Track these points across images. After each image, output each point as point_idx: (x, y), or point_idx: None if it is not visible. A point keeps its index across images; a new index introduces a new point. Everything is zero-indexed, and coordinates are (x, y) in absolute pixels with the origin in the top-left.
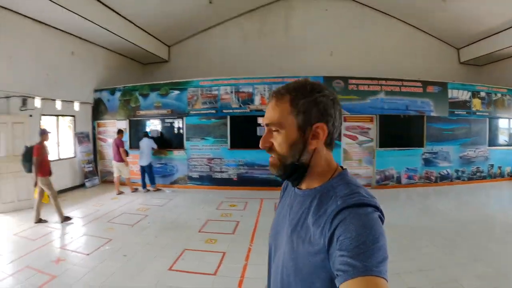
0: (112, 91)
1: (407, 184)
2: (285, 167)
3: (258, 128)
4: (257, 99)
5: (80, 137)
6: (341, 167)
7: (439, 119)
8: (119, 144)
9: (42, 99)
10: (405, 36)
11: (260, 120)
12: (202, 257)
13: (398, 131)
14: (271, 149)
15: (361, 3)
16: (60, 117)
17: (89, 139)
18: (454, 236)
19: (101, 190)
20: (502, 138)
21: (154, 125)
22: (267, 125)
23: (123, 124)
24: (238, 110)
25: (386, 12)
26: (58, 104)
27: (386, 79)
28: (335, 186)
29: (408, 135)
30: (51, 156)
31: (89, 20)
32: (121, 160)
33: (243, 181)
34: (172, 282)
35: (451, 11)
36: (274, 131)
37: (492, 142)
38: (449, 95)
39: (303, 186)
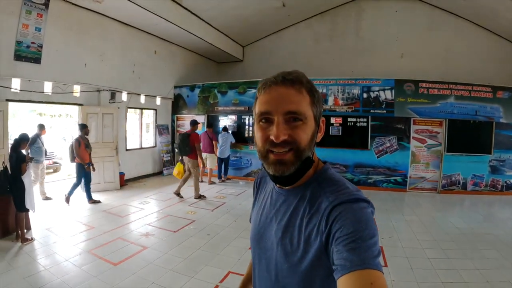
0: (192, 88)
1: (472, 191)
2: (300, 163)
3: (330, 128)
4: (330, 100)
5: (161, 129)
6: (322, 161)
7: (509, 126)
8: (212, 137)
9: (128, 93)
10: (475, 38)
11: (332, 120)
12: None
13: (467, 137)
14: (286, 141)
15: (430, 4)
16: (143, 110)
17: (168, 131)
18: (505, 242)
19: (177, 178)
20: None
21: (230, 121)
22: (288, 113)
23: (201, 119)
24: None
25: (456, 13)
26: (142, 98)
27: (456, 83)
28: (321, 182)
29: (476, 141)
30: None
31: (171, 23)
32: (212, 151)
33: None
34: None
35: None
36: (296, 121)
37: None
38: None
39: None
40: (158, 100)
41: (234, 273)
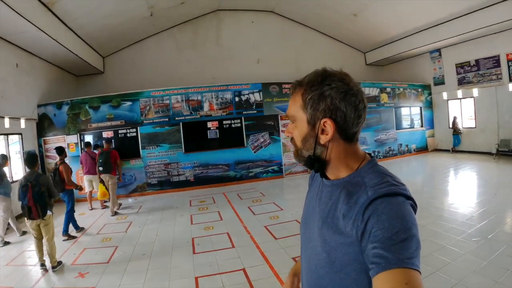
0: (59, 105)
1: None
2: (303, 159)
3: (208, 132)
4: (206, 106)
5: None
6: (370, 155)
7: None
8: (95, 156)
9: None
10: (322, 44)
11: (209, 125)
12: (212, 239)
13: None
14: (293, 139)
15: (282, 16)
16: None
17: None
18: None
19: (56, 209)
20: (405, 122)
21: (101, 137)
22: (288, 116)
23: (74, 139)
24: (190, 117)
25: (305, 24)
26: (7, 122)
27: None
28: (364, 176)
29: None
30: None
31: (42, 31)
32: (96, 172)
33: (200, 181)
34: (205, 260)
35: (359, 23)
36: (293, 123)
37: (398, 126)
38: None
39: (331, 176)
40: (23, 123)
41: (202, 276)
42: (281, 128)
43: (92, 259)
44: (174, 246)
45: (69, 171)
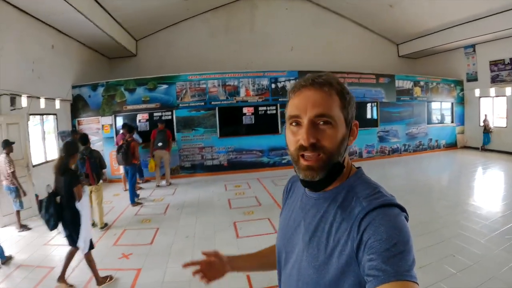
0: (94, 87)
1: (367, 158)
2: (329, 168)
3: (243, 118)
4: (242, 91)
5: (63, 137)
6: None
7: (389, 104)
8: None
9: (28, 97)
10: (355, 34)
11: (245, 110)
12: (253, 224)
13: (360, 115)
14: (315, 145)
15: (316, 4)
16: (44, 116)
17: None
18: (411, 189)
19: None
20: (436, 117)
21: (143, 119)
22: (316, 116)
23: (108, 120)
24: (226, 102)
25: (339, 12)
26: (42, 102)
27: (348, 73)
28: (354, 186)
29: (366, 118)
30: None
31: (80, 12)
32: None
33: (233, 166)
34: (250, 244)
35: (395, 14)
36: (324, 124)
37: (430, 121)
38: (396, 85)
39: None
40: (58, 103)
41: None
42: None
43: (134, 240)
44: (218, 230)
45: (137, 147)
